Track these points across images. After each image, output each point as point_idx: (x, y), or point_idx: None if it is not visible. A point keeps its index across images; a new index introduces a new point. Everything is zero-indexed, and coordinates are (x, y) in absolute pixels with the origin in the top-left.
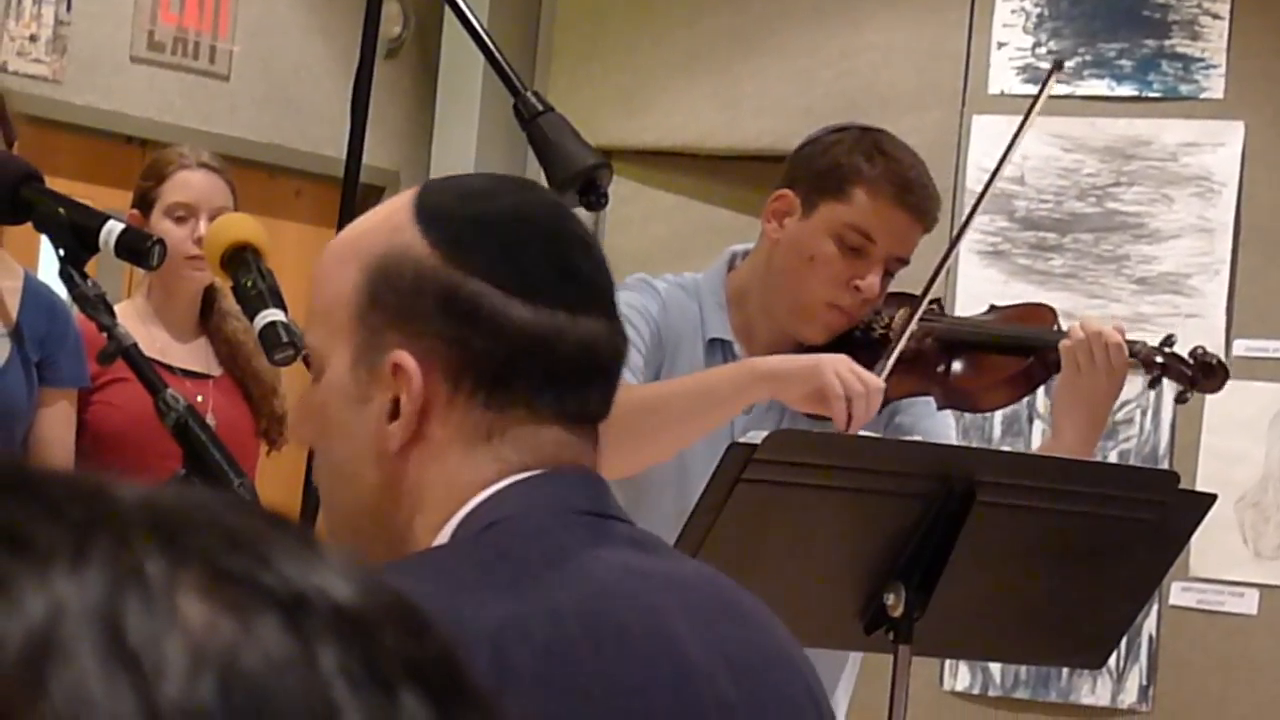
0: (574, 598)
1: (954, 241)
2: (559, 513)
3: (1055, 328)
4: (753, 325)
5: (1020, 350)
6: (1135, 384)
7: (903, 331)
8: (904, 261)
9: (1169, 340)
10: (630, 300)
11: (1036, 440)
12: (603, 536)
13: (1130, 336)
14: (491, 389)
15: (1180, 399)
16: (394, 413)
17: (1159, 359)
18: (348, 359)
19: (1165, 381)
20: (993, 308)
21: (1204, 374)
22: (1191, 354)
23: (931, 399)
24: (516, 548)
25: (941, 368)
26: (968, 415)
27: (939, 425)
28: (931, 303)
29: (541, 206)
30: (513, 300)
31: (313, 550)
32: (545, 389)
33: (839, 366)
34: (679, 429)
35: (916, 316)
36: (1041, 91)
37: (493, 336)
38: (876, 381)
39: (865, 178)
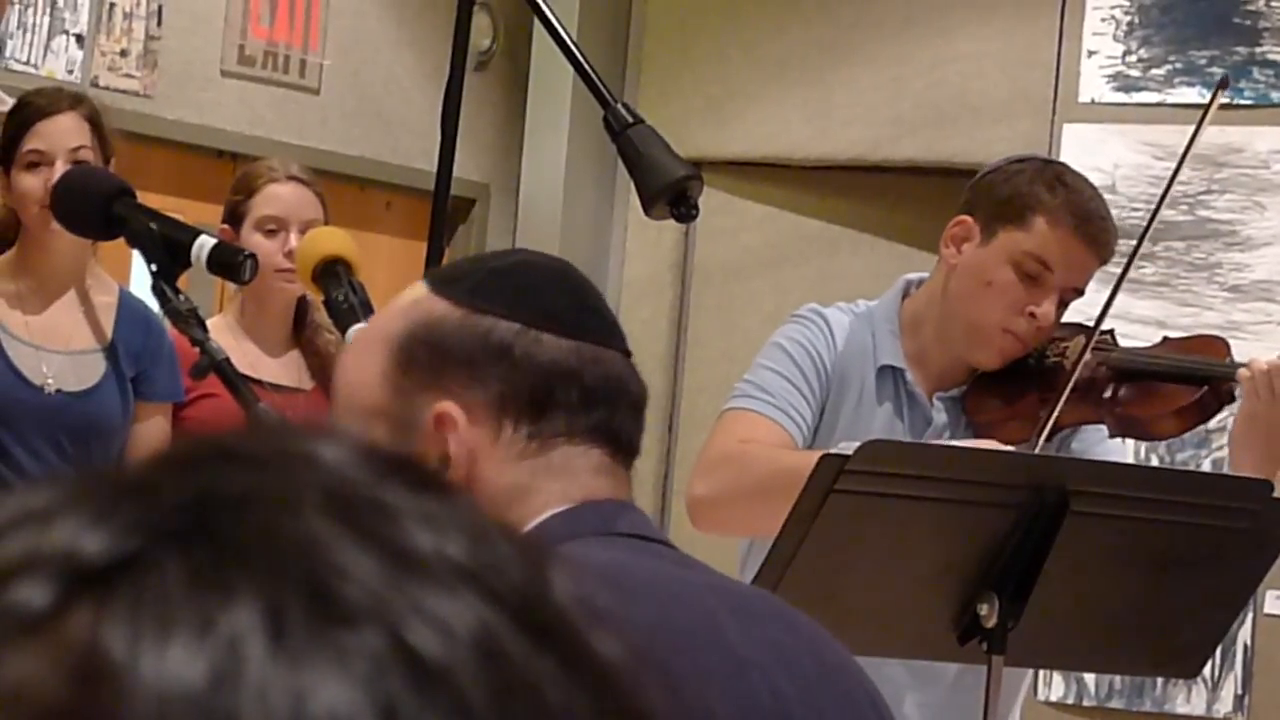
0: (616, 598)
1: (1124, 271)
2: (602, 535)
3: (1228, 360)
4: (926, 351)
5: (1194, 380)
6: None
7: (1077, 362)
8: (1079, 292)
9: None
10: (796, 335)
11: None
12: (645, 552)
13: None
14: (533, 419)
15: None
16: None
17: None
18: (386, 435)
19: None
20: (1165, 340)
21: None
22: None
23: (1104, 427)
24: None
25: (1114, 396)
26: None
27: (1110, 453)
28: (1104, 333)
29: (546, 259)
30: (542, 335)
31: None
32: (582, 411)
33: None
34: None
35: (1089, 346)
36: (1210, 105)
37: (528, 370)
38: None
39: (1046, 207)
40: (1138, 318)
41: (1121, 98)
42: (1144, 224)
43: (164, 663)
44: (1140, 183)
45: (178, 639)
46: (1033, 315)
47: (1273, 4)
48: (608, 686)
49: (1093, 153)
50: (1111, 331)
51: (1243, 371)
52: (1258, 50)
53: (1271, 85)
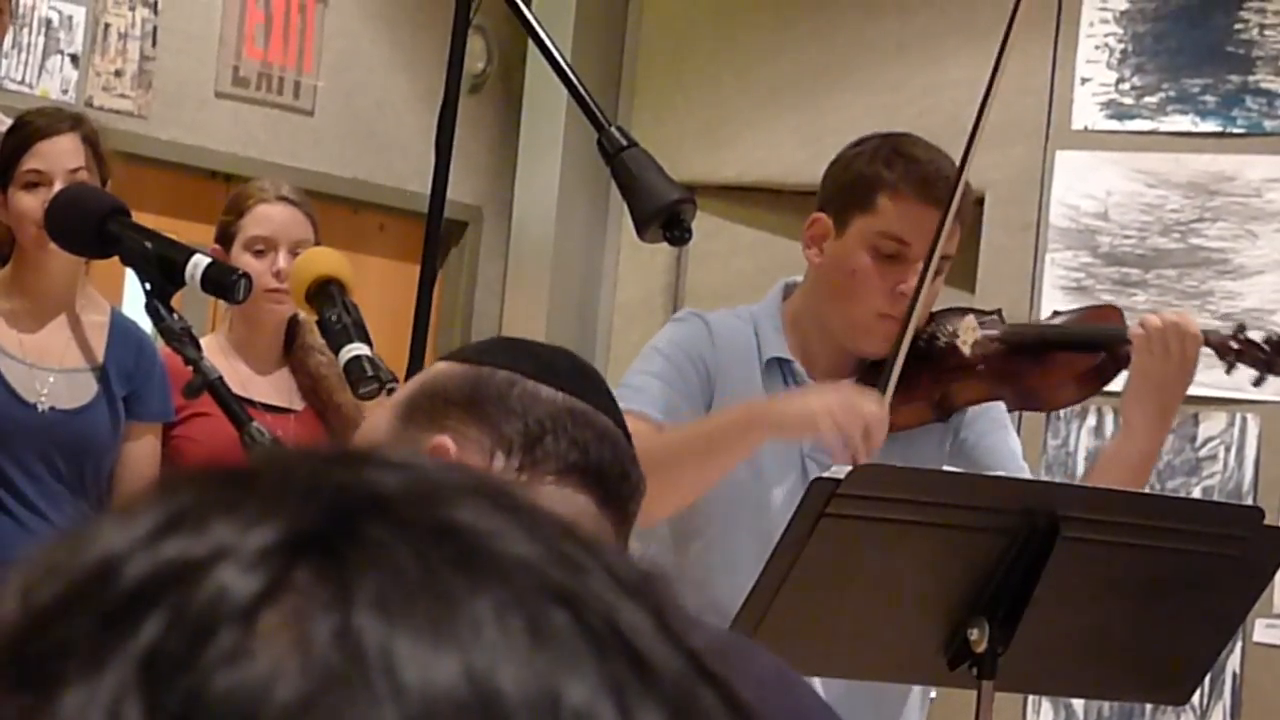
0: None
1: (936, 239)
2: None
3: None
4: (811, 347)
5: (1091, 346)
6: (1219, 420)
7: (913, 339)
8: (948, 257)
9: (1241, 327)
10: (674, 337)
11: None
12: None
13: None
14: (524, 453)
15: (1257, 384)
16: None
17: (1234, 344)
18: None
19: (1240, 367)
20: (1056, 313)
21: None
22: (1267, 339)
23: (999, 405)
24: None
25: (1010, 369)
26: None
27: (1002, 441)
28: (991, 313)
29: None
30: (541, 385)
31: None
32: (573, 457)
33: (832, 405)
34: (691, 476)
35: (973, 329)
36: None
37: (523, 413)
38: (875, 412)
39: (886, 184)
40: None
41: (1114, 125)
42: (1136, 251)
43: (422, 653)
44: (1133, 210)
45: (430, 628)
46: (903, 294)
47: (1266, 32)
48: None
49: (1085, 180)
50: (999, 311)
51: (1135, 329)
52: (1250, 79)
53: (1264, 114)
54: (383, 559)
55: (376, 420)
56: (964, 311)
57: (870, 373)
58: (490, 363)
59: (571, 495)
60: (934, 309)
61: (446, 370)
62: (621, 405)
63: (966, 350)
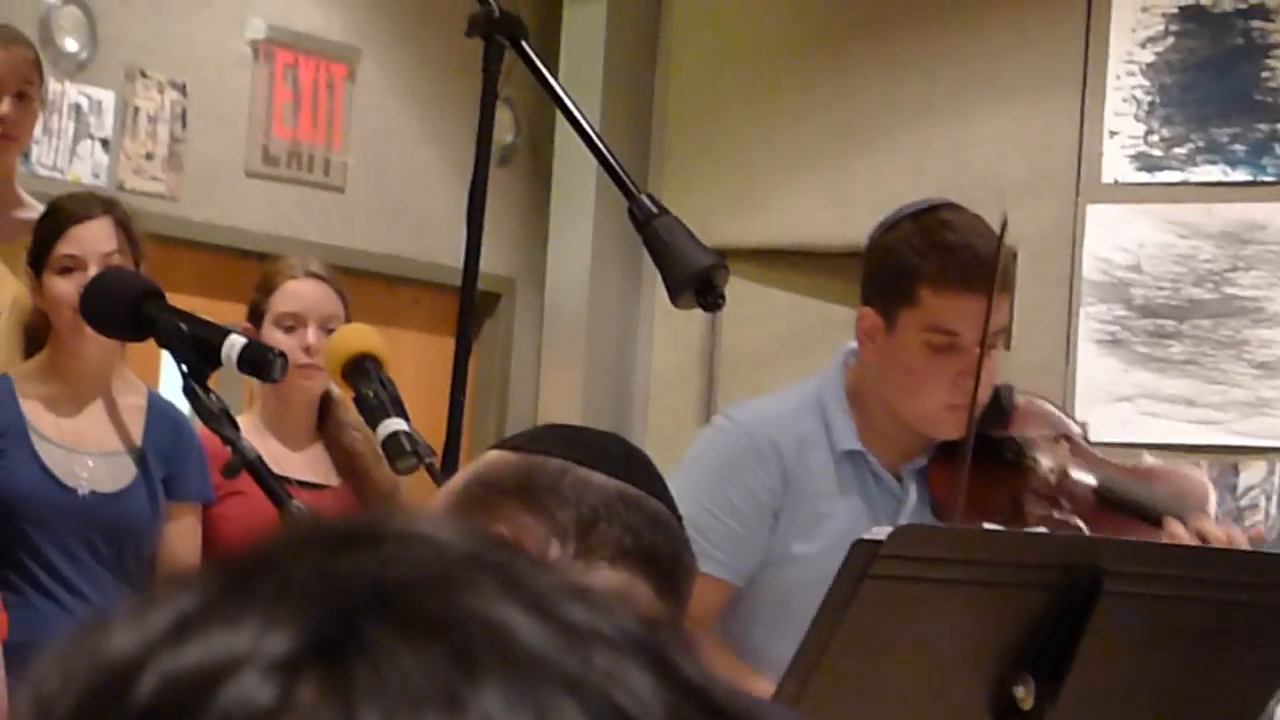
0: None
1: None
2: None
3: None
4: (879, 428)
5: (1159, 522)
6: (1259, 469)
7: (1003, 447)
8: (998, 333)
9: None
10: (725, 455)
11: None
12: None
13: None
14: (579, 540)
15: None
16: None
17: None
18: None
19: None
20: (1147, 470)
21: None
22: None
23: None
24: None
25: (1084, 512)
26: None
27: None
28: (1080, 431)
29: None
30: (592, 471)
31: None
32: (625, 537)
33: None
34: None
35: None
36: None
37: (577, 499)
38: None
39: (925, 275)
40: (1166, 396)
41: (1144, 177)
42: (1170, 302)
43: None
44: (1166, 261)
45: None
46: (966, 379)
47: None
48: None
49: (1117, 233)
50: (1085, 425)
51: (1195, 537)
52: (1279, 127)
53: None
54: (387, 665)
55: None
56: (1060, 438)
57: (943, 454)
58: (541, 451)
59: (628, 579)
60: (1044, 410)
61: (498, 459)
62: None
63: (1053, 480)
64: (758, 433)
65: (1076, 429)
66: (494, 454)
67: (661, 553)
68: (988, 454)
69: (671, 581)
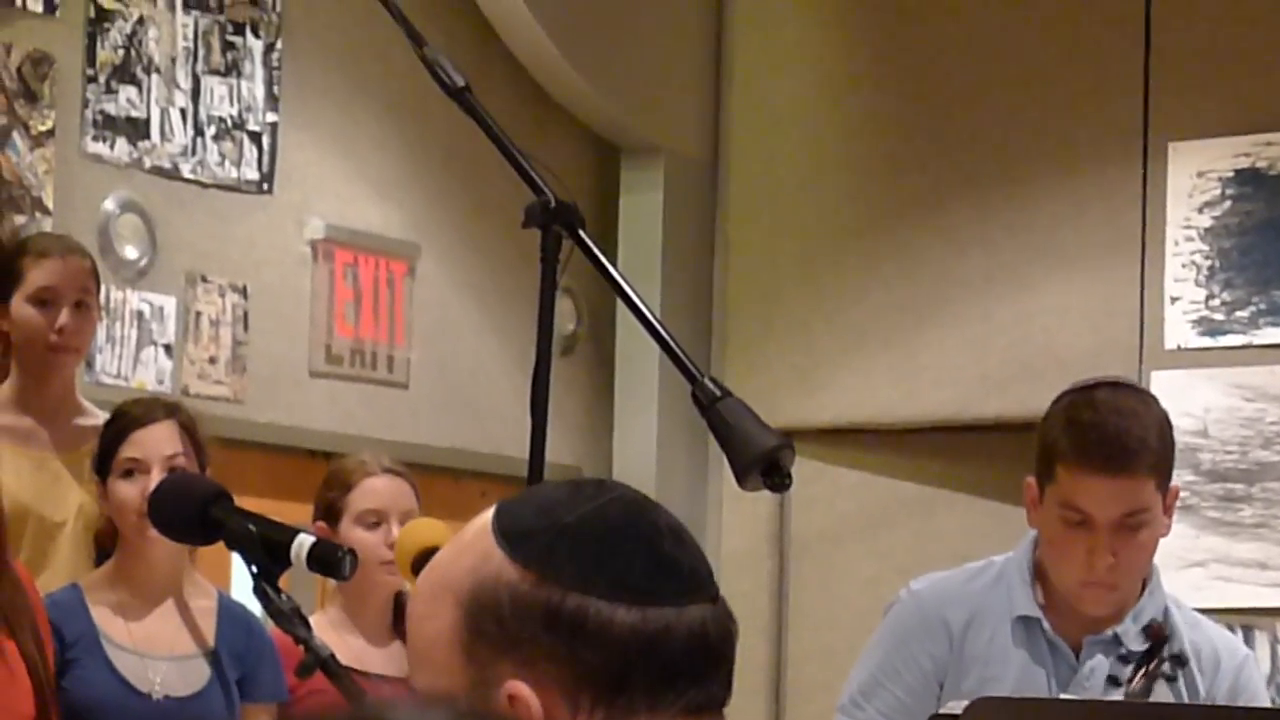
0: None
1: None
2: None
3: None
4: (1058, 598)
5: None
6: None
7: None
8: (1134, 515)
9: None
10: (896, 629)
11: None
12: None
13: None
14: (611, 700)
15: None
16: None
17: None
18: (463, 692)
19: None
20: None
21: None
22: None
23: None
24: None
25: None
26: None
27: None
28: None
29: (623, 504)
30: (616, 606)
31: None
32: (663, 689)
33: None
34: None
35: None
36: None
37: (602, 647)
38: None
39: (1061, 453)
40: (1238, 560)
41: (1207, 341)
42: (1239, 465)
43: None
44: (1232, 425)
45: None
46: (1100, 560)
47: None
48: None
49: (1182, 398)
50: None
51: None
52: None
53: None
54: None
55: (434, 611)
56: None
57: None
58: (558, 578)
59: None
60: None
61: (511, 580)
62: None
63: None
64: (929, 605)
65: None
66: (506, 568)
67: (704, 681)
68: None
69: (718, 706)
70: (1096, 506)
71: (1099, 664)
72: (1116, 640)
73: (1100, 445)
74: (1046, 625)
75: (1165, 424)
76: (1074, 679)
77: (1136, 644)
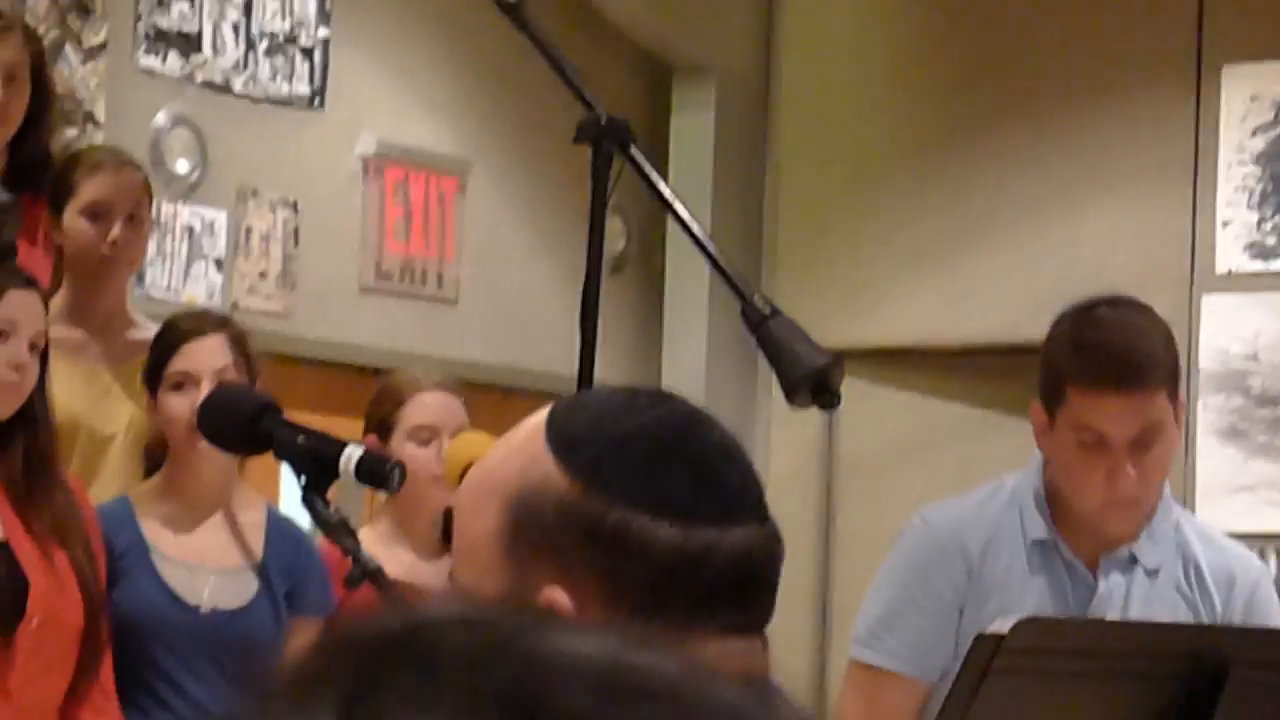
0: None
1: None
2: None
3: None
4: (1073, 519)
5: None
6: None
7: None
8: (1149, 429)
9: None
10: (911, 557)
11: None
12: None
13: None
14: (648, 615)
15: None
16: None
17: None
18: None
19: None
20: None
21: None
22: None
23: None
24: None
25: None
26: None
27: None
28: None
29: (677, 418)
30: (659, 523)
31: None
32: (702, 608)
33: None
34: None
35: None
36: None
37: (643, 563)
38: None
39: (1070, 376)
40: None
41: (1259, 266)
42: None
43: None
44: None
45: None
46: (1120, 479)
47: None
48: None
49: (1233, 323)
50: None
51: None
52: None
53: None
54: None
55: (480, 509)
56: None
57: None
58: (604, 490)
59: (705, 649)
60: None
61: (558, 487)
62: (869, 659)
63: None
64: (944, 533)
65: None
66: (554, 474)
67: (749, 596)
68: None
69: (763, 620)
70: (1112, 425)
71: (1116, 583)
72: (1133, 558)
73: (1110, 363)
74: (1064, 547)
75: (1169, 335)
76: (1094, 599)
77: (1152, 560)
